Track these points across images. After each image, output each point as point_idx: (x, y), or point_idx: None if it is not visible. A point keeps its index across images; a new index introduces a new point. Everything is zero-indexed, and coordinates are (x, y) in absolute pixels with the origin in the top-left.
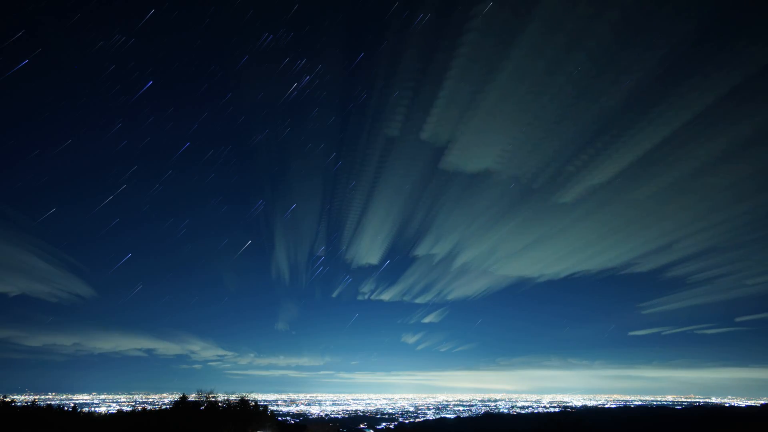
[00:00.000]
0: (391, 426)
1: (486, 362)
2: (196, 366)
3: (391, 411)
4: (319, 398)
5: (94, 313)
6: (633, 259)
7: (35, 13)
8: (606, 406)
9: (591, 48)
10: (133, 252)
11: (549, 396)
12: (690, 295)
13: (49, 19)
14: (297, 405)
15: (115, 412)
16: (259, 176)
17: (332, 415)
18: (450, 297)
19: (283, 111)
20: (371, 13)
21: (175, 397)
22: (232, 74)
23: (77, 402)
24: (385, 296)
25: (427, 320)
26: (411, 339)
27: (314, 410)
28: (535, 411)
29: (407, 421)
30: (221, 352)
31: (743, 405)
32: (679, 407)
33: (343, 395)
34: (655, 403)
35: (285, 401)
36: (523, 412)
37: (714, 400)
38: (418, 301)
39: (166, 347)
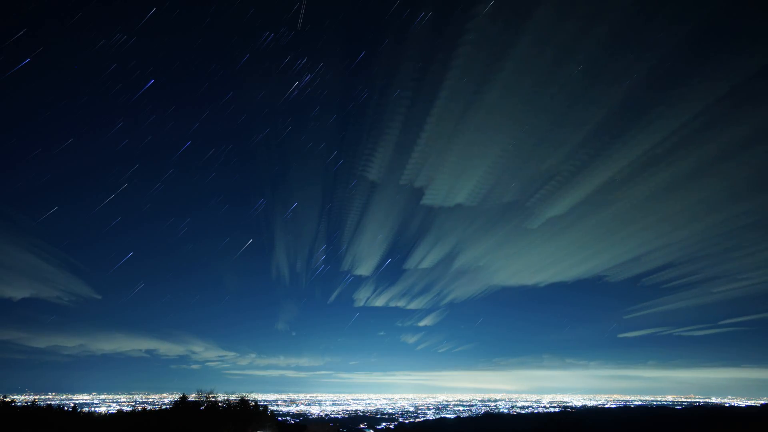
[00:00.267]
0: (391, 426)
1: (486, 362)
2: (196, 366)
3: (391, 411)
4: (319, 398)
5: (97, 314)
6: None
7: (36, 12)
8: (606, 406)
9: (561, 84)
10: (135, 251)
11: (549, 396)
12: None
13: (50, 18)
14: (297, 405)
15: (115, 412)
16: (259, 175)
17: (332, 415)
18: (450, 297)
19: (284, 110)
20: (372, 12)
21: (175, 397)
22: (233, 73)
23: (77, 402)
24: (386, 296)
25: (426, 320)
26: (411, 339)
27: (314, 410)
28: (535, 411)
29: (407, 421)
30: (222, 352)
31: (743, 405)
32: (680, 407)
33: (343, 395)
34: (655, 403)
35: (285, 401)
36: (523, 412)
37: (714, 400)
38: (418, 301)
39: (167, 348)
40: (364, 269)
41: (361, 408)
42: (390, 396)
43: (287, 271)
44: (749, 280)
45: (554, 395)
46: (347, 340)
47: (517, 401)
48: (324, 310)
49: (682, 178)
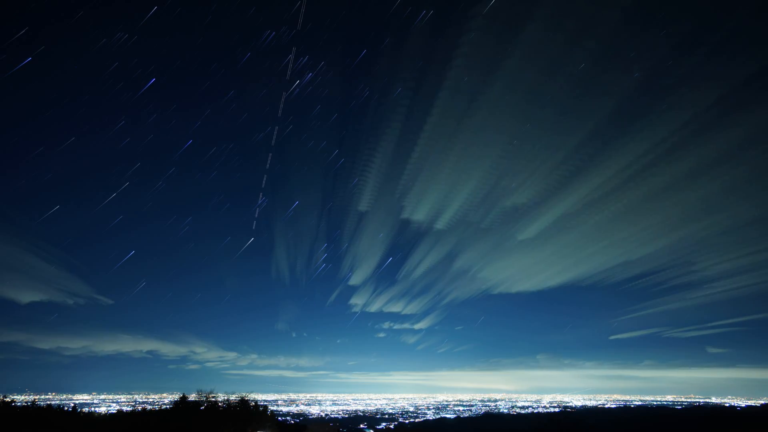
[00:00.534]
0: (391, 426)
1: (485, 362)
2: (196, 366)
3: (391, 411)
4: (319, 398)
5: (98, 314)
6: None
7: (38, 11)
8: (606, 406)
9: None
10: (137, 250)
11: (549, 396)
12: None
13: (52, 17)
14: (297, 405)
15: (115, 412)
16: (260, 174)
17: (332, 415)
18: (449, 297)
19: (285, 109)
20: (373, 11)
21: (175, 397)
22: (234, 72)
23: (77, 402)
24: (386, 295)
25: (426, 320)
26: (411, 339)
27: (314, 410)
28: (535, 411)
29: (407, 421)
30: (223, 353)
31: (743, 405)
32: (680, 407)
33: (343, 395)
34: (655, 403)
35: (285, 401)
36: (523, 412)
37: (714, 400)
38: (418, 301)
39: (169, 349)
40: (365, 269)
41: (361, 408)
42: (390, 396)
43: (287, 271)
44: (748, 281)
45: (554, 395)
46: (347, 339)
47: (517, 401)
48: (324, 309)
49: (678, 180)
